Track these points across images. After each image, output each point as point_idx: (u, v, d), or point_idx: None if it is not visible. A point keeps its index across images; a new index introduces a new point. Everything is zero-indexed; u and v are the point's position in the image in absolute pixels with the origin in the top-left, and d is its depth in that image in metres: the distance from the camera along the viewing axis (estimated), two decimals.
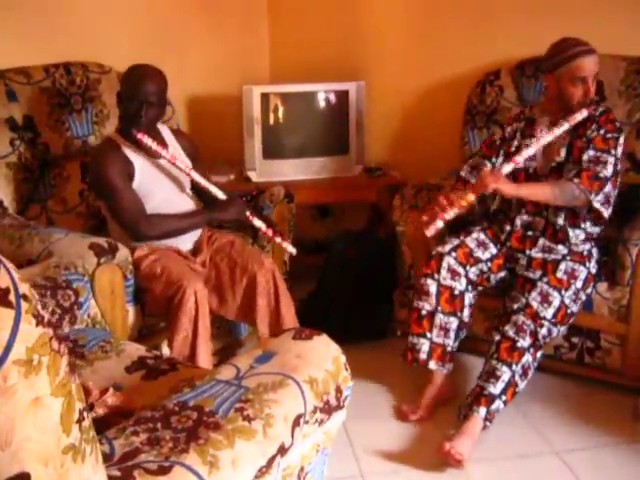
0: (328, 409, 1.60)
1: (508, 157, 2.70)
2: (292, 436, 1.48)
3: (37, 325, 0.97)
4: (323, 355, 1.66)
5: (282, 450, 1.46)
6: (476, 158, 2.87)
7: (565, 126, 2.57)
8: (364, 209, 3.89)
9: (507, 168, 2.59)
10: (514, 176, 2.70)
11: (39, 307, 1.00)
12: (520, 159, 2.60)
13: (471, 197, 2.54)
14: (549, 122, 2.68)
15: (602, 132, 2.58)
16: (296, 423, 1.49)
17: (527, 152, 2.59)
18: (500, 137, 2.83)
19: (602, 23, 3.10)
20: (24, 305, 0.96)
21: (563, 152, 2.65)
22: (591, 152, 2.56)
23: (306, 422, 1.53)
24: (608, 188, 2.53)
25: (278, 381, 1.53)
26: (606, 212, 2.56)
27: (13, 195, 2.85)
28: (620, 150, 2.59)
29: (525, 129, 2.76)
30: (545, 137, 2.59)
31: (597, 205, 2.53)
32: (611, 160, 2.55)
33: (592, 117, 2.61)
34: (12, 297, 0.94)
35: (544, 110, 2.74)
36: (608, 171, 2.53)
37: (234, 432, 1.38)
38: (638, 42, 3.06)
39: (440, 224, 2.52)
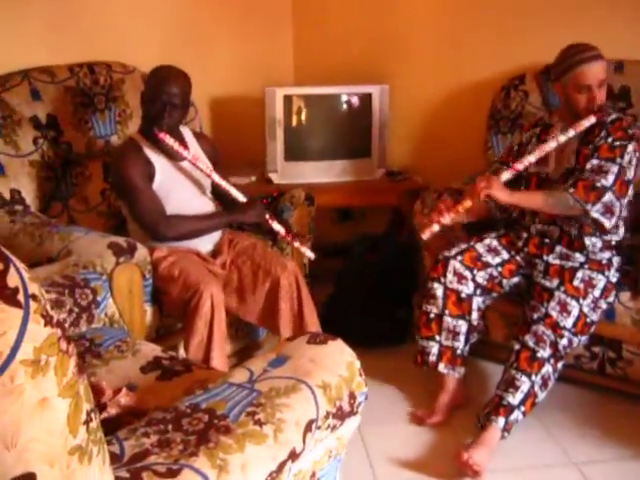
0: (341, 415, 1.59)
1: (515, 160, 2.69)
2: (304, 441, 1.47)
3: (45, 325, 0.97)
4: (337, 360, 1.65)
5: (293, 455, 1.44)
6: (496, 164, 2.86)
7: (570, 133, 2.54)
8: (385, 213, 3.87)
9: (506, 175, 2.57)
10: (527, 181, 2.67)
11: (48, 307, 0.99)
12: (520, 166, 2.58)
13: (468, 203, 2.53)
14: (563, 127, 2.64)
15: (610, 140, 2.53)
16: (308, 428, 1.48)
17: (528, 159, 2.57)
18: (518, 142, 2.82)
19: (628, 28, 3.06)
20: (33, 305, 0.96)
21: (572, 159, 2.62)
22: (594, 161, 2.52)
23: (318, 428, 1.52)
24: (608, 197, 2.47)
25: (291, 385, 1.52)
26: (608, 222, 2.50)
27: (35, 193, 2.87)
28: (628, 158, 2.51)
29: (540, 134, 2.73)
30: (549, 144, 2.56)
31: (596, 215, 2.48)
32: (614, 169, 2.48)
33: (602, 124, 2.56)
34: (21, 297, 0.94)
35: (560, 116, 2.72)
36: (608, 180, 2.47)
37: (244, 436, 1.37)
38: None
39: (436, 228, 2.55)
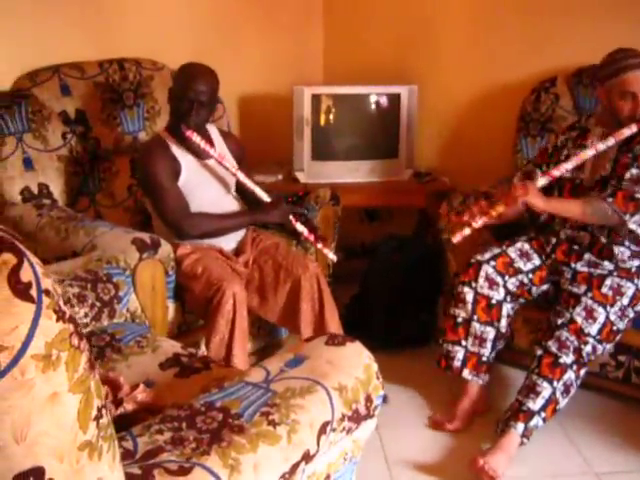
0: (357, 418, 1.58)
1: (551, 167, 2.65)
2: (318, 443, 1.46)
3: (57, 320, 0.97)
4: (355, 362, 1.64)
5: (307, 457, 1.44)
6: (529, 165, 2.83)
7: (610, 141, 2.49)
8: (413, 214, 3.85)
9: (542, 181, 2.54)
10: (560, 186, 2.64)
11: (61, 303, 0.99)
12: (557, 173, 2.54)
13: (501, 207, 2.49)
14: (602, 133, 2.60)
15: None
16: (322, 430, 1.47)
17: (565, 166, 2.54)
18: (553, 145, 2.77)
19: None
20: (45, 300, 0.95)
21: (608, 166, 2.58)
22: (634, 170, 2.47)
23: (333, 430, 1.51)
24: None
25: (306, 387, 1.51)
26: None
27: (63, 187, 2.90)
28: None
29: (577, 138, 2.69)
30: (587, 151, 2.52)
31: (633, 227, 2.45)
32: None
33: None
34: (34, 292, 0.94)
35: (599, 121, 2.67)
36: None
37: (258, 436, 1.37)
38: None
39: (467, 232, 2.50)
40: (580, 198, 2.58)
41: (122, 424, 1.51)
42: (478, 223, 2.50)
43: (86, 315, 2.11)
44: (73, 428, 1.00)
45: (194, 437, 1.36)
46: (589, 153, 2.52)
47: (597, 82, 2.61)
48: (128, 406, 1.61)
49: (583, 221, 2.54)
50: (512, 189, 2.50)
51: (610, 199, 2.46)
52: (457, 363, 2.62)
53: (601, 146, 2.51)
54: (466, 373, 2.62)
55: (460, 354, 2.62)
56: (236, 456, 1.32)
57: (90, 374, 1.03)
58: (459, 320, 2.63)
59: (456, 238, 2.52)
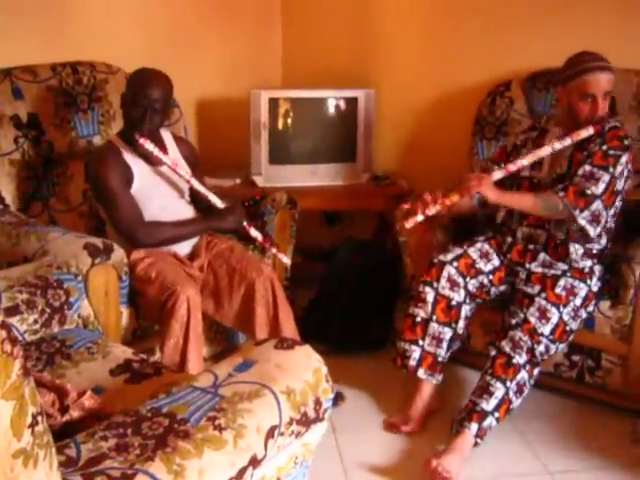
0: (306, 421, 1.57)
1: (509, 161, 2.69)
2: (265, 448, 1.45)
3: None
4: (303, 366, 1.63)
5: (254, 461, 1.43)
6: (488, 163, 2.88)
7: (567, 141, 2.53)
8: (373, 218, 3.86)
9: (498, 174, 2.57)
10: (519, 185, 2.67)
11: None
12: (513, 167, 2.57)
13: (455, 197, 2.52)
14: (560, 133, 2.64)
15: (604, 148, 2.52)
16: (270, 435, 1.46)
17: (521, 162, 2.57)
18: (512, 144, 2.81)
19: (615, 37, 3.04)
20: None
21: (565, 164, 2.62)
22: (587, 167, 2.51)
23: (281, 434, 1.50)
24: (596, 206, 2.47)
25: (254, 391, 1.51)
26: (593, 231, 2.50)
27: (15, 192, 2.86)
28: (620, 169, 2.51)
29: (536, 138, 2.73)
30: (544, 149, 2.55)
31: (582, 222, 2.48)
32: (605, 178, 2.48)
33: (599, 131, 2.56)
34: None
35: (557, 122, 2.71)
36: (598, 189, 2.47)
37: (203, 441, 1.36)
38: None
39: (420, 218, 2.52)
40: (532, 192, 2.61)
41: (69, 431, 1.49)
42: (431, 211, 2.52)
43: (36, 322, 2.08)
44: (6, 435, 0.98)
45: (139, 443, 1.35)
46: (546, 150, 2.55)
47: (558, 83, 2.65)
48: (74, 413, 1.58)
49: (534, 214, 2.58)
50: (466, 179, 2.52)
51: (562, 193, 2.49)
52: (413, 362, 2.63)
53: (557, 145, 2.54)
54: (421, 372, 2.63)
55: (416, 353, 2.63)
56: (181, 462, 1.31)
57: (24, 381, 1.01)
58: (418, 319, 2.64)
59: (408, 224, 2.54)
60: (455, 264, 2.65)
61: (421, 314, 2.64)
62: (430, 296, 2.63)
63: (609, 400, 2.70)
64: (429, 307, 2.63)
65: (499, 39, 3.39)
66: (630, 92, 2.99)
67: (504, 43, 3.37)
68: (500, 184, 2.61)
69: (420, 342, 2.64)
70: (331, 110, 3.63)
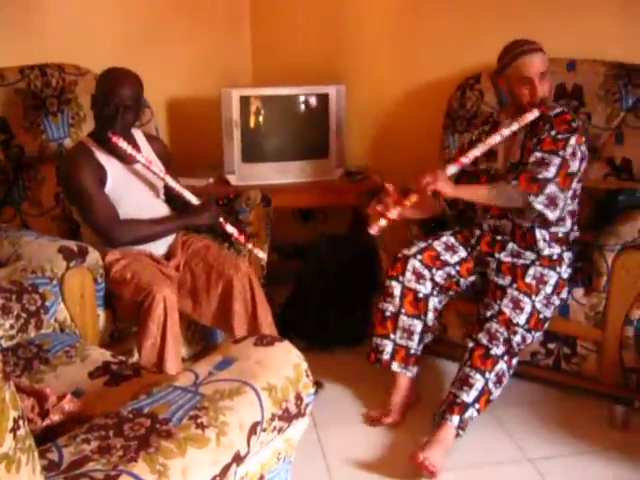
0: (288, 417, 1.58)
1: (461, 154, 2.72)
2: (248, 444, 1.46)
3: None
4: (284, 362, 1.64)
5: (238, 458, 1.43)
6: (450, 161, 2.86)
7: (514, 126, 2.57)
8: (346, 213, 3.87)
9: (452, 169, 2.59)
10: (477, 178, 2.71)
11: None
12: (465, 160, 2.59)
13: (414, 197, 2.54)
14: (508, 123, 2.67)
15: (553, 133, 2.57)
16: (252, 431, 1.47)
17: (473, 153, 2.59)
18: (468, 140, 2.84)
19: (581, 28, 3.09)
20: None
21: (518, 153, 2.66)
22: (538, 154, 2.55)
23: (264, 430, 1.50)
24: (550, 189, 2.49)
25: (235, 388, 1.51)
26: (551, 214, 2.52)
27: None
28: (571, 150, 2.54)
29: (489, 131, 2.75)
30: (493, 137, 2.58)
31: (539, 207, 2.50)
32: (556, 161, 2.51)
33: (547, 118, 2.59)
34: None
35: (508, 113, 2.74)
36: (550, 172, 2.50)
37: (186, 440, 1.36)
38: (617, 47, 3.04)
39: (383, 222, 2.54)
40: (486, 184, 2.65)
41: (50, 435, 1.48)
42: (393, 214, 2.53)
43: (12, 327, 2.06)
44: None
45: (121, 445, 1.34)
46: (496, 139, 2.58)
47: (497, 74, 2.68)
48: (55, 417, 1.58)
49: (492, 205, 2.61)
50: (421, 177, 2.53)
51: (514, 182, 2.52)
52: (386, 356, 2.66)
53: (506, 131, 2.58)
54: (395, 366, 2.65)
55: (389, 347, 2.66)
56: (164, 461, 1.30)
57: (4, 385, 1.01)
58: (387, 314, 2.67)
59: (373, 229, 2.56)
60: (419, 257, 2.67)
61: (390, 308, 2.67)
62: (397, 290, 2.66)
63: (585, 386, 2.74)
64: (397, 301, 2.65)
65: (468, 32, 3.41)
66: (597, 82, 3.04)
67: (473, 36, 3.40)
68: (461, 180, 2.66)
69: (391, 336, 2.66)
70: (302, 107, 3.64)
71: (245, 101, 3.50)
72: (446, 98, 3.40)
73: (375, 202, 2.70)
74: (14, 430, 1.02)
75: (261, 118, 3.59)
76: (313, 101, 3.61)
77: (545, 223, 2.59)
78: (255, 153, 3.58)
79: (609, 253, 2.57)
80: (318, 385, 2.73)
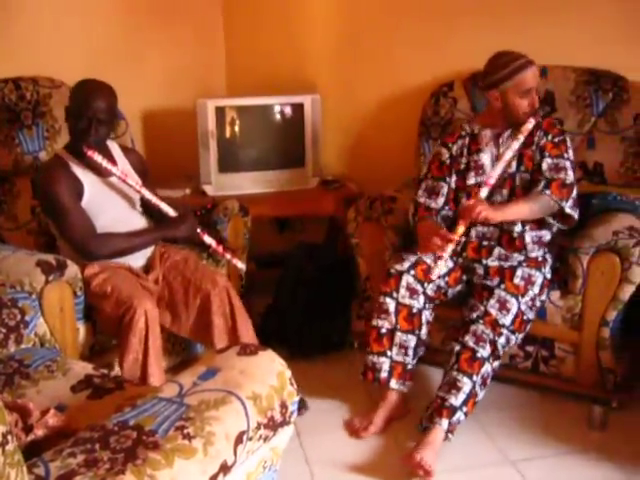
0: (273, 425, 1.59)
1: (459, 175, 2.77)
2: (235, 454, 1.46)
3: None
4: (267, 370, 1.65)
5: (225, 468, 1.44)
6: (429, 181, 2.85)
7: (521, 139, 2.62)
8: (323, 222, 3.88)
9: (484, 192, 2.60)
10: (468, 193, 2.75)
11: None
12: (492, 181, 2.61)
13: (462, 229, 2.55)
14: (493, 135, 2.72)
15: (550, 137, 2.66)
16: (239, 440, 1.47)
17: (496, 172, 2.62)
18: (448, 156, 2.83)
19: (552, 35, 3.13)
20: None
21: (514, 163, 2.69)
22: (548, 160, 2.63)
23: (250, 439, 1.51)
24: (575, 192, 2.63)
25: (220, 398, 1.51)
26: (576, 214, 2.65)
27: None
28: (571, 152, 2.69)
29: (470, 145, 2.79)
30: (507, 153, 2.62)
31: (569, 211, 2.62)
32: (568, 164, 2.64)
33: (536, 124, 2.66)
34: None
35: (485, 124, 2.77)
36: (570, 176, 2.63)
37: (173, 451, 1.36)
38: (587, 53, 3.09)
39: (442, 265, 2.54)
40: (521, 198, 2.66)
41: (34, 451, 1.47)
42: (448, 252, 2.53)
43: None
44: None
45: (108, 457, 1.35)
46: (509, 154, 2.63)
47: (489, 87, 2.69)
48: (39, 432, 1.57)
49: (532, 218, 2.65)
50: (469, 211, 2.53)
51: (547, 191, 2.59)
52: (384, 374, 2.63)
53: (516, 145, 2.63)
54: (393, 383, 2.63)
55: (386, 365, 2.63)
56: (152, 472, 1.31)
57: None
58: (383, 331, 2.64)
59: (434, 275, 2.58)
60: (412, 272, 2.66)
61: (386, 325, 2.64)
62: (391, 306, 2.64)
63: (564, 388, 2.77)
64: (392, 317, 2.64)
65: (441, 40, 3.45)
66: (568, 88, 3.09)
67: (446, 44, 3.43)
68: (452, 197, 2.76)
69: (388, 353, 2.64)
70: (278, 116, 3.65)
71: (220, 111, 3.51)
72: (420, 105, 3.43)
73: (357, 215, 2.70)
74: (2, 445, 1.02)
75: (237, 128, 3.60)
76: (288, 111, 3.63)
77: (569, 224, 2.68)
78: (231, 163, 3.59)
79: (584, 256, 2.61)
80: (303, 406, 2.72)
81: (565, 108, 3.09)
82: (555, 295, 2.69)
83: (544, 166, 2.62)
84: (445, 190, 2.80)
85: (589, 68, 3.08)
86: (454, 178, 2.80)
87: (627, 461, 2.39)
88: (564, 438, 2.54)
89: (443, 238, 2.56)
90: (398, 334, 2.64)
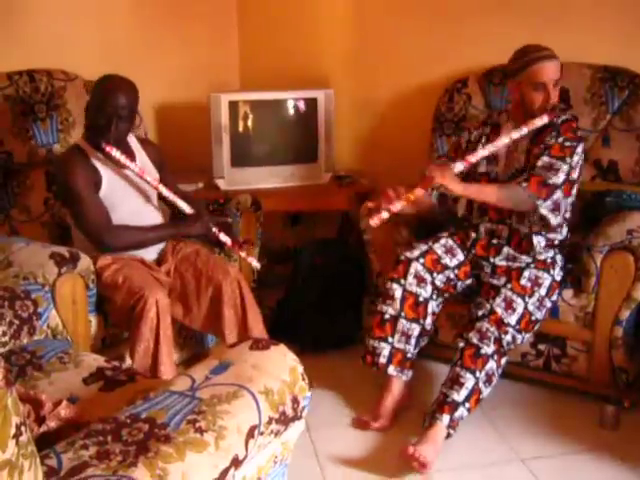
0: (284, 420, 1.58)
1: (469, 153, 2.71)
2: (246, 448, 1.46)
3: None
4: (280, 365, 1.64)
5: (236, 462, 1.44)
6: (443, 158, 2.89)
7: (523, 131, 2.57)
8: (335, 217, 3.88)
9: (459, 166, 2.55)
10: (477, 181, 2.71)
11: None
12: (473, 159, 2.56)
13: (419, 191, 2.51)
14: (514, 127, 2.68)
15: (560, 140, 2.59)
16: (250, 434, 1.47)
17: (481, 153, 2.58)
18: (466, 140, 2.85)
19: (568, 31, 3.11)
20: None
21: (522, 159, 2.67)
22: (545, 158, 2.56)
23: (261, 433, 1.51)
24: (557, 195, 2.54)
25: (232, 392, 1.51)
26: (554, 219, 2.57)
27: None
28: (577, 159, 2.59)
29: (490, 133, 2.77)
30: (502, 139, 2.58)
31: (544, 211, 2.54)
32: (564, 168, 2.55)
33: (553, 124, 2.61)
34: None
35: (510, 116, 2.75)
36: (559, 178, 2.53)
37: (185, 445, 1.36)
38: (603, 50, 3.07)
39: (385, 215, 2.50)
40: (494, 184, 2.65)
41: (47, 442, 1.48)
42: (396, 207, 2.49)
43: (4, 334, 2.05)
44: None
45: (120, 450, 1.35)
46: (504, 141, 2.58)
47: (508, 77, 2.69)
48: (51, 423, 1.57)
49: (498, 205, 2.59)
50: (429, 171, 2.50)
51: (525, 184, 2.53)
52: (383, 359, 2.65)
53: (515, 134, 2.57)
54: (391, 369, 2.65)
55: (386, 350, 2.65)
56: (164, 466, 1.31)
57: (6, 391, 1.01)
58: (387, 317, 2.65)
59: (374, 221, 2.50)
60: (421, 260, 2.67)
61: (390, 311, 2.66)
62: (398, 293, 2.65)
63: (576, 386, 2.76)
64: (397, 304, 2.65)
65: (456, 36, 3.44)
66: (584, 85, 3.07)
67: (459, 40, 3.42)
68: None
69: (389, 339, 2.65)
70: (291, 111, 3.64)
71: (234, 106, 3.51)
72: (434, 101, 3.42)
73: (377, 196, 2.68)
74: (16, 436, 1.02)
75: (250, 123, 3.60)
76: (302, 105, 3.62)
77: (547, 228, 2.62)
78: (244, 158, 3.58)
79: (598, 254, 2.60)
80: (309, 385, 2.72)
81: (580, 105, 3.06)
82: (568, 293, 2.68)
83: (539, 162, 2.56)
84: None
85: (604, 65, 3.05)
86: None
87: (639, 461, 2.38)
88: (575, 437, 2.54)
89: (398, 194, 2.53)
90: (402, 321, 2.64)
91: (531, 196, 2.51)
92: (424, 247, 2.72)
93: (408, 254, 2.69)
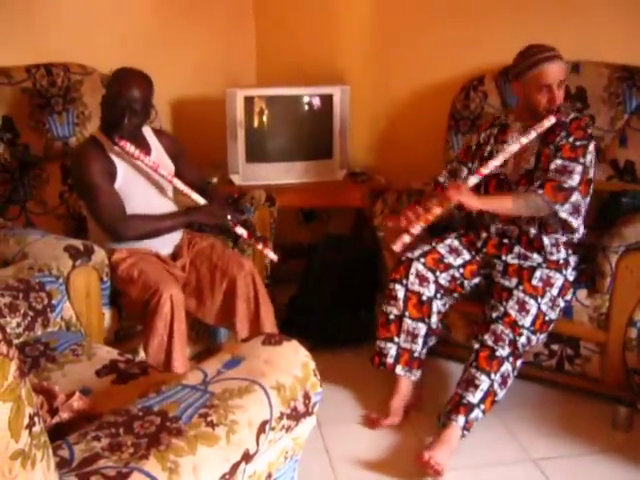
0: (296, 415, 1.59)
1: (480, 163, 2.71)
2: (257, 442, 1.46)
3: None
4: (292, 361, 1.65)
5: (247, 456, 1.44)
6: (454, 164, 2.88)
7: (533, 135, 2.56)
8: (350, 214, 3.88)
9: (473, 180, 2.57)
10: (486, 183, 2.70)
11: None
12: (486, 171, 2.57)
13: (437, 211, 2.51)
14: (521, 128, 2.68)
15: (571, 140, 2.57)
16: (261, 429, 1.48)
17: (493, 163, 2.57)
18: (475, 142, 2.83)
19: (585, 31, 3.10)
20: None
21: (532, 160, 2.66)
22: (558, 161, 2.54)
23: (272, 428, 1.51)
24: (575, 197, 2.53)
25: (244, 387, 1.52)
26: (575, 222, 2.57)
27: None
28: (590, 157, 2.58)
29: (498, 134, 2.76)
30: (512, 146, 2.57)
31: (564, 215, 2.53)
32: (578, 169, 2.53)
33: (562, 124, 2.59)
34: None
35: (517, 116, 2.74)
36: (574, 180, 2.52)
37: (196, 438, 1.37)
38: (621, 49, 3.05)
39: (407, 239, 2.51)
40: (510, 193, 2.63)
41: (59, 433, 1.49)
42: (417, 229, 2.50)
43: (19, 325, 2.06)
44: (4, 437, 0.99)
45: (132, 442, 1.35)
46: (514, 148, 2.57)
47: (512, 78, 2.68)
48: (64, 415, 1.59)
49: (516, 215, 2.59)
50: (445, 191, 2.53)
51: (540, 190, 2.52)
52: (390, 360, 2.65)
53: (524, 140, 2.56)
54: (399, 369, 2.65)
55: (393, 350, 2.65)
56: (175, 459, 1.31)
57: (20, 382, 1.02)
58: (391, 317, 2.66)
59: (397, 246, 2.52)
60: (422, 260, 2.67)
61: (394, 311, 2.66)
62: (400, 293, 2.65)
63: (589, 387, 2.74)
64: (401, 304, 2.65)
65: (472, 34, 3.42)
66: (601, 84, 3.04)
67: (477, 38, 3.40)
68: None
69: (395, 339, 2.66)
70: (306, 107, 3.64)
71: (249, 101, 3.51)
72: (450, 99, 3.41)
73: (395, 218, 2.68)
74: (30, 427, 1.03)
75: (265, 118, 3.60)
76: (317, 102, 3.62)
77: (569, 231, 2.61)
78: (259, 153, 3.59)
79: (613, 255, 2.58)
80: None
81: (597, 105, 3.04)
82: (582, 294, 2.66)
83: (552, 166, 2.54)
84: (464, 174, 2.79)
85: (622, 64, 3.02)
86: (476, 164, 2.77)
87: None
88: (587, 438, 2.52)
89: (417, 215, 2.52)
90: (407, 321, 2.64)
91: (548, 202, 2.50)
92: (426, 247, 2.73)
93: (409, 254, 2.70)
